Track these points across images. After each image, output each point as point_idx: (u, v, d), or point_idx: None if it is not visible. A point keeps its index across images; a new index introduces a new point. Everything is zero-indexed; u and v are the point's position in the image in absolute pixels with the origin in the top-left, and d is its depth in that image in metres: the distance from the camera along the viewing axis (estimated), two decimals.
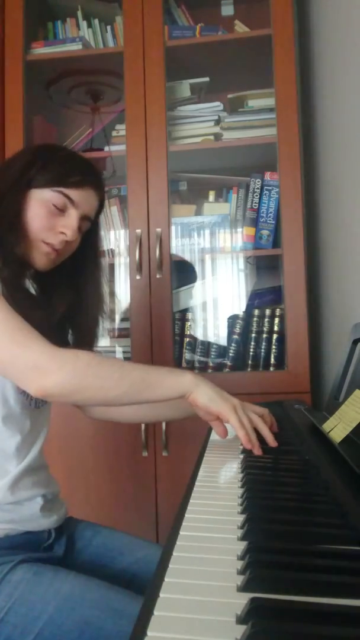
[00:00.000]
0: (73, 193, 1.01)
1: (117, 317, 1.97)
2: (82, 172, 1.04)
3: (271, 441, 0.89)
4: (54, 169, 1.01)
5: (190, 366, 1.84)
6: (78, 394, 0.88)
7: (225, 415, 0.89)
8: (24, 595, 0.81)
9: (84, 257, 1.10)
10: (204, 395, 0.89)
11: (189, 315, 1.87)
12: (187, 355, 1.84)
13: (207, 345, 1.86)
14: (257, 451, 0.86)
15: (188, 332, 1.85)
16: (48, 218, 1.00)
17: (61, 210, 1.00)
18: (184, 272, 1.93)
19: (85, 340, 1.09)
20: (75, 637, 0.77)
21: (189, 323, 1.86)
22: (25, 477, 0.95)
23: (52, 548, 0.98)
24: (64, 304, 1.07)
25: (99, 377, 0.86)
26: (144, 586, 0.89)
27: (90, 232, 1.08)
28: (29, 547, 0.92)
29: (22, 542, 0.92)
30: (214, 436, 1.04)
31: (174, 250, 1.85)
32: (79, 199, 1.01)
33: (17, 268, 0.97)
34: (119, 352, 1.92)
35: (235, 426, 0.87)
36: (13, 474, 0.93)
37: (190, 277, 1.93)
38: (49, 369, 0.84)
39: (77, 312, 1.09)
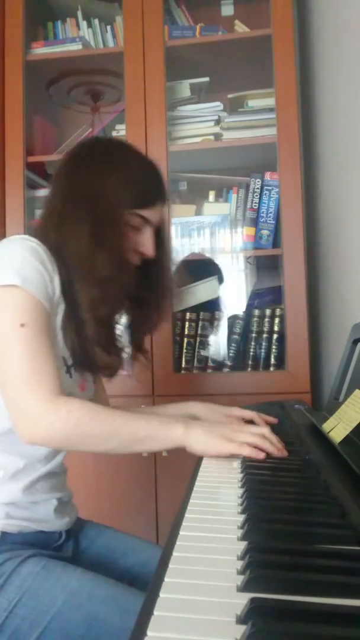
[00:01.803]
0: (147, 212, 1.02)
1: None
2: (155, 189, 1.05)
3: (279, 453, 0.86)
4: (132, 191, 1.01)
5: (190, 366, 1.84)
6: (65, 447, 0.92)
7: (223, 452, 0.86)
8: (33, 589, 0.82)
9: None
10: (198, 444, 0.87)
11: (200, 315, 1.86)
12: (186, 355, 1.84)
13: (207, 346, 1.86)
14: (280, 453, 0.85)
15: (189, 333, 1.85)
16: (129, 240, 1.02)
17: (138, 229, 1.03)
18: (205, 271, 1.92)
19: (162, 315, 1.13)
20: (82, 631, 0.78)
21: (200, 323, 1.85)
22: (45, 480, 0.97)
23: (61, 549, 1.00)
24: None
25: (87, 436, 0.87)
26: (146, 587, 0.90)
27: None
28: (40, 546, 0.94)
29: (34, 540, 0.94)
30: None
31: (174, 251, 1.85)
32: (151, 216, 1.03)
33: (118, 304, 0.99)
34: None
35: (237, 452, 0.85)
36: (35, 476, 0.95)
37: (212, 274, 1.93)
38: (40, 423, 0.85)
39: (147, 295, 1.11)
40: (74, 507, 1.08)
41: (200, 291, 1.89)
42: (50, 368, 0.88)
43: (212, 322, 1.87)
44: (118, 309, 1.04)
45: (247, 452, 0.83)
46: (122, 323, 1.11)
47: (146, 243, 1.04)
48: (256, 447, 0.85)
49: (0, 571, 0.84)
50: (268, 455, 0.85)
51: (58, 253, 0.95)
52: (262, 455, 0.83)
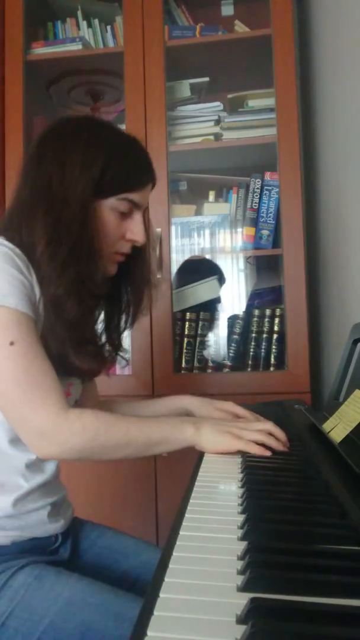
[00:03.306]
0: (136, 196, 0.95)
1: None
2: (144, 170, 0.97)
3: (283, 448, 0.88)
4: (121, 174, 0.92)
5: (190, 366, 1.84)
6: (81, 459, 0.89)
7: (232, 449, 0.87)
8: (26, 600, 0.81)
9: None
10: (207, 442, 0.88)
11: (200, 315, 1.86)
12: (186, 355, 1.84)
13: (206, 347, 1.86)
14: (284, 448, 0.88)
15: (189, 333, 1.85)
16: (118, 228, 0.94)
17: (126, 215, 0.95)
18: (207, 272, 1.92)
19: (138, 307, 1.06)
20: None
21: (200, 323, 1.85)
22: (37, 491, 0.93)
23: (58, 551, 0.98)
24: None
25: (104, 447, 0.86)
26: (147, 589, 0.89)
27: None
28: (35, 552, 0.92)
29: (28, 548, 0.91)
30: None
31: (173, 251, 1.85)
32: (141, 199, 0.96)
33: (91, 302, 0.91)
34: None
35: (245, 450, 0.87)
36: (25, 489, 0.91)
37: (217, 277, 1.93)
38: (55, 439, 0.83)
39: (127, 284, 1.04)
40: (69, 505, 1.05)
41: (201, 291, 1.89)
42: (50, 381, 0.85)
43: (210, 322, 1.87)
44: (89, 308, 0.94)
45: (254, 450, 0.85)
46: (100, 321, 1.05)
47: (136, 229, 0.95)
48: (262, 444, 0.86)
49: None
50: (272, 450, 0.86)
51: (29, 251, 0.88)
52: (268, 454, 0.85)
